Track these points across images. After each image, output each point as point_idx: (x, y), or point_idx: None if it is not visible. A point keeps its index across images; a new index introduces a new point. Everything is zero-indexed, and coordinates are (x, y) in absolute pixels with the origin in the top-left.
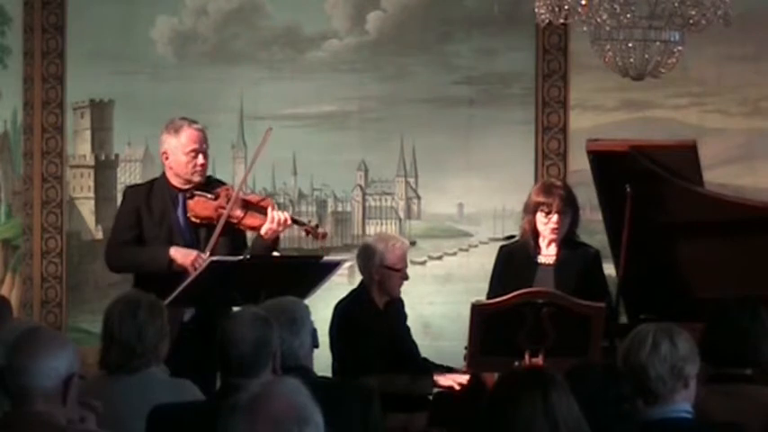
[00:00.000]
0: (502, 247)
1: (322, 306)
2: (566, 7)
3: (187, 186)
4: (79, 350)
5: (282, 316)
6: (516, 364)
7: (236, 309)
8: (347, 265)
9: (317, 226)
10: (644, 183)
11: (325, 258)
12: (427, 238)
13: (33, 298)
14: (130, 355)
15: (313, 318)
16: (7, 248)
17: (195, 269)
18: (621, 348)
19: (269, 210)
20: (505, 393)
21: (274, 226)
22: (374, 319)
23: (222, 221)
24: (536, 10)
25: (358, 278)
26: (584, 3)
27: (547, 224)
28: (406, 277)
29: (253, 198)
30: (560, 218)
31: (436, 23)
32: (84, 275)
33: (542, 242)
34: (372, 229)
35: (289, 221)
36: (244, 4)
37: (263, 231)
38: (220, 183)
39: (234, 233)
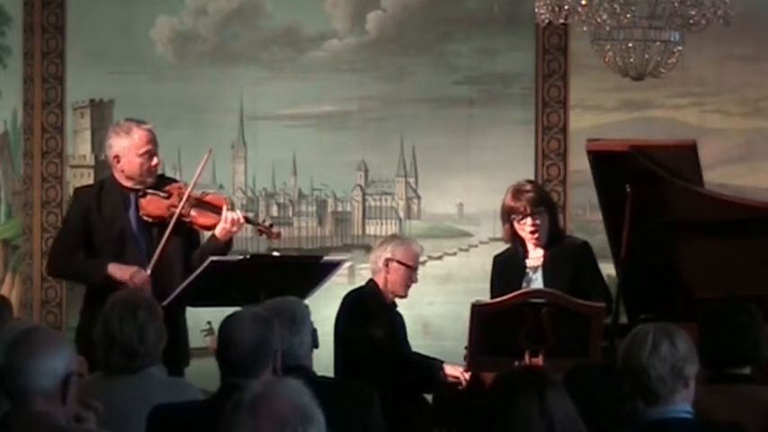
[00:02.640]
0: (495, 257)
1: (322, 306)
2: (566, 7)
3: (139, 187)
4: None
5: (282, 315)
6: (516, 364)
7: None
8: (347, 265)
9: (271, 225)
10: (644, 183)
11: (325, 258)
12: (427, 238)
13: (33, 298)
14: (133, 356)
15: (313, 318)
16: (7, 248)
17: (135, 283)
18: (621, 348)
19: (223, 209)
20: (502, 394)
21: (228, 226)
22: (382, 310)
23: (173, 221)
24: (536, 10)
25: (358, 278)
26: (584, 3)
27: (523, 229)
28: (415, 279)
29: (206, 197)
30: (534, 219)
31: (436, 23)
32: None
33: (529, 245)
34: (372, 229)
35: (242, 221)
36: (244, 4)
37: (217, 232)
38: (172, 180)
39: (188, 233)
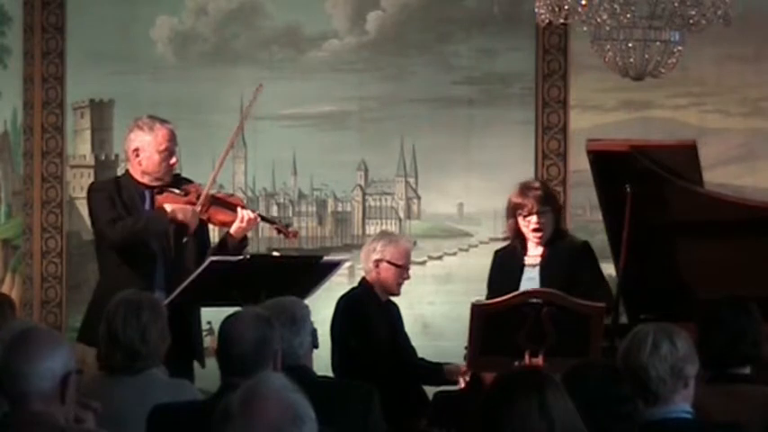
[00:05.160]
0: (496, 252)
1: (322, 306)
2: (566, 7)
3: (155, 184)
4: (78, 349)
5: (283, 315)
6: (516, 364)
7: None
8: (347, 265)
9: (287, 225)
10: (644, 183)
11: (325, 258)
12: (427, 238)
13: (33, 298)
14: (135, 357)
15: (313, 318)
16: (7, 248)
17: (192, 224)
18: (621, 348)
19: (238, 208)
20: (502, 394)
21: (244, 225)
22: (377, 310)
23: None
24: (536, 10)
25: (358, 278)
26: (584, 3)
27: (527, 226)
28: (406, 276)
29: (222, 195)
30: (539, 218)
31: (436, 23)
32: (84, 275)
33: (529, 243)
34: (372, 229)
35: (258, 219)
36: (244, 4)
37: (232, 230)
38: (188, 181)
39: (200, 231)
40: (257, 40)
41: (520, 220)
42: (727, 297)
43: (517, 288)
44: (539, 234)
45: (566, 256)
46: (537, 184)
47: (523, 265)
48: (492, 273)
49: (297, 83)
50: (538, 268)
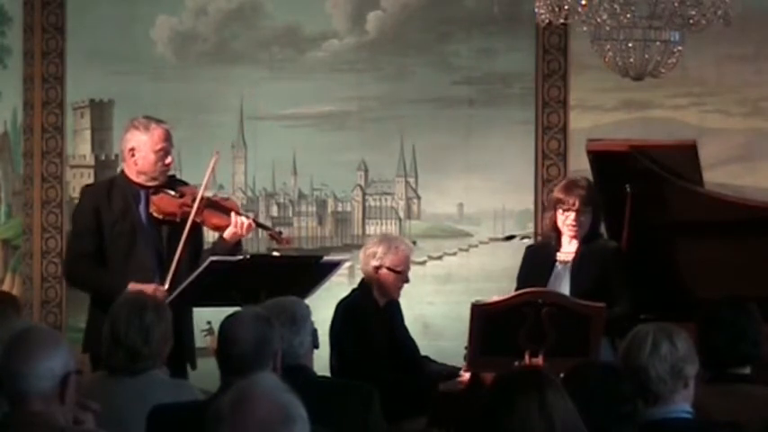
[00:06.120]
0: (528, 248)
1: (322, 306)
2: (566, 7)
3: (151, 184)
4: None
5: (283, 315)
6: (516, 364)
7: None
8: (347, 265)
9: (280, 233)
10: (644, 183)
11: (326, 258)
12: (427, 238)
13: (33, 298)
14: (136, 358)
15: (313, 318)
16: (7, 248)
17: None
18: (621, 348)
19: (233, 213)
20: (502, 394)
21: (238, 230)
22: (375, 315)
23: (189, 221)
24: (536, 10)
25: (358, 278)
26: (584, 3)
27: (565, 221)
28: (406, 280)
29: (218, 199)
30: (578, 216)
31: (436, 23)
32: None
33: (564, 239)
34: (372, 229)
35: (252, 225)
36: (244, 4)
37: (226, 235)
38: (183, 183)
39: (194, 234)
40: (257, 40)
41: (558, 214)
42: (727, 297)
43: (546, 284)
44: (573, 230)
45: (598, 258)
46: (583, 183)
47: (555, 261)
48: (522, 268)
49: (297, 83)
50: (569, 265)
